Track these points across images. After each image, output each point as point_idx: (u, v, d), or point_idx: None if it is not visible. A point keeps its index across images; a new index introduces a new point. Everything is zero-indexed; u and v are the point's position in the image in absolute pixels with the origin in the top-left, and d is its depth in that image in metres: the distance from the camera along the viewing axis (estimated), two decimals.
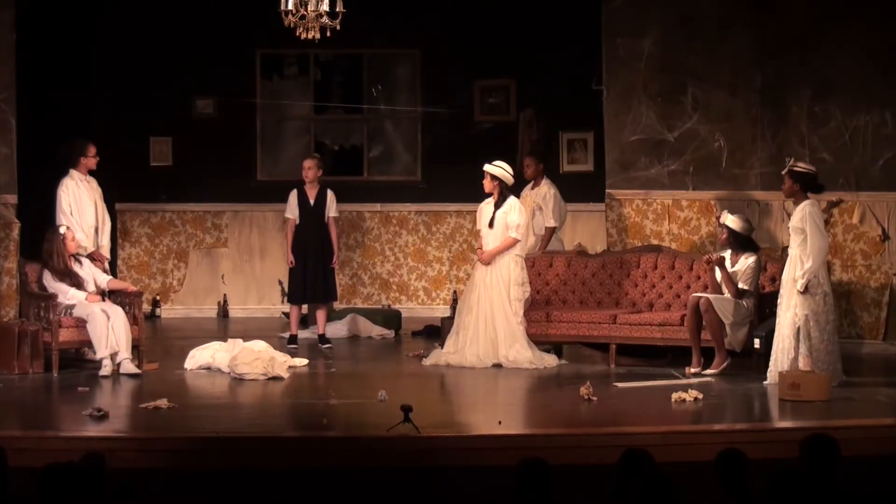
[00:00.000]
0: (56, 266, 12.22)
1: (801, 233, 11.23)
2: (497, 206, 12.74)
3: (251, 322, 15.93)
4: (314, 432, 9.48)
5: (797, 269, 11.20)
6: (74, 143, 12.87)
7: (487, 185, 12.76)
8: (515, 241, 12.68)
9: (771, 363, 11.29)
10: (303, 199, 14.01)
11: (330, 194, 14.06)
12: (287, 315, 14.67)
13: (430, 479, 8.47)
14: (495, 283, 12.61)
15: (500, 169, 12.72)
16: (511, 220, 12.65)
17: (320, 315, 14.01)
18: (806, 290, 11.11)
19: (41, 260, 12.33)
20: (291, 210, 14.03)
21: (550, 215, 13.83)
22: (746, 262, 12.03)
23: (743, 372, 11.76)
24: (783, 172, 11.48)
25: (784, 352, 11.16)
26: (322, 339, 13.91)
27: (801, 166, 11.48)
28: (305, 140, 17.25)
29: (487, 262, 12.66)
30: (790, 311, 11.18)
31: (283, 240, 14.71)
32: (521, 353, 12.41)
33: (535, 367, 12.28)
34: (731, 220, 12.11)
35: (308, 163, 14.12)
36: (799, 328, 11.11)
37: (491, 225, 12.72)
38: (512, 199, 12.80)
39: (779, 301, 11.35)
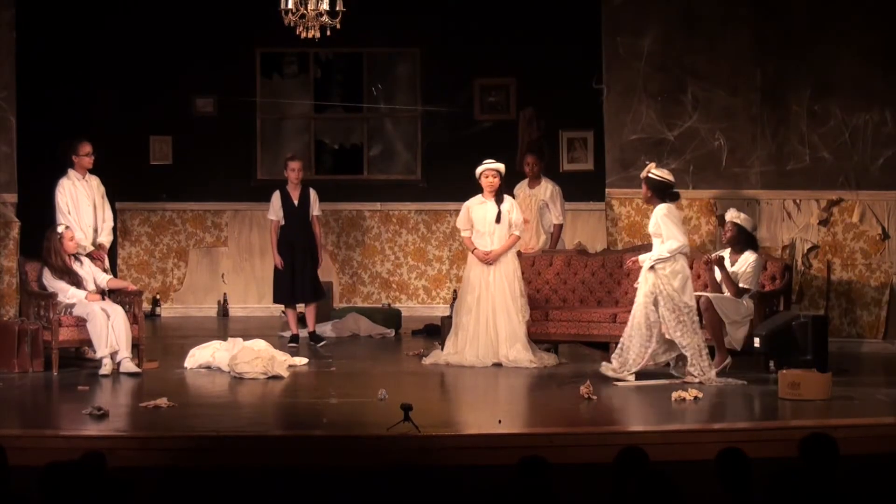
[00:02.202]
0: (55, 264, 12.24)
1: (658, 236, 11.53)
2: (499, 202, 12.74)
3: (251, 321, 15.93)
4: (314, 431, 9.48)
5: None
6: (69, 143, 12.90)
7: (496, 182, 12.73)
8: (518, 239, 12.74)
9: (617, 349, 11.56)
10: (287, 200, 13.99)
11: (313, 193, 14.05)
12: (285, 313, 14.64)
13: (430, 478, 8.46)
14: (499, 282, 12.58)
15: (502, 166, 12.81)
16: (514, 217, 12.69)
17: (310, 314, 14.00)
18: (652, 269, 11.43)
19: (41, 258, 12.35)
20: (275, 212, 13.99)
21: (559, 212, 13.89)
22: (747, 261, 12.04)
23: (743, 371, 11.76)
24: (641, 176, 11.70)
25: (631, 338, 11.44)
26: (313, 336, 13.91)
27: (656, 174, 11.64)
28: (305, 139, 17.26)
29: (493, 263, 12.63)
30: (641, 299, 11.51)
31: None
32: (521, 352, 12.41)
33: (535, 367, 12.28)
34: (742, 218, 12.18)
35: (296, 164, 14.08)
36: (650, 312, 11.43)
37: (498, 220, 12.69)
38: (510, 198, 12.88)
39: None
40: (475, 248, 12.79)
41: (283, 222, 13.96)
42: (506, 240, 12.69)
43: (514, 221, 12.71)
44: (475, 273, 12.73)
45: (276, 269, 13.99)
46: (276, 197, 14.02)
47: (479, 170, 12.85)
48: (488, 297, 12.58)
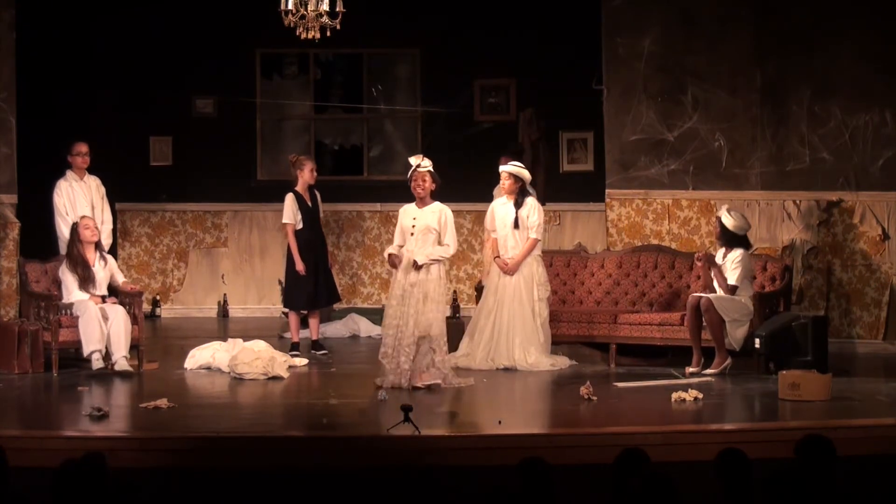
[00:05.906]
0: (72, 252, 12.27)
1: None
2: (518, 205, 12.58)
3: (251, 322, 15.93)
4: (314, 432, 9.48)
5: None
6: (69, 144, 12.96)
7: (511, 186, 12.59)
8: (536, 242, 12.57)
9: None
10: (302, 202, 13.34)
11: (317, 194, 13.54)
12: (287, 315, 14.44)
13: (430, 479, 8.46)
14: (517, 285, 12.44)
15: (519, 168, 12.60)
16: (532, 221, 12.50)
17: (314, 322, 13.50)
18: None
19: (67, 248, 12.38)
20: (293, 215, 13.27)
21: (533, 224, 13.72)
22: (731, 257, 12.02)
23: (743, 372, 11.77)
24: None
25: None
26: (315, 345, 13.40)
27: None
28: (305, 140, 17.25)
29: (514, 273, 12.51)
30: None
31: (284, 240, 14.16)
32: (539, 357, 12.27)
33: (555, 369, 12.22)
34: (725, 217, 12.15)
35: (313, 164, 13.51)
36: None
37: (516, 225, 12.56)
38: (531, 200, 12.63)
39: None
40: (497, 256, 12.55)
41: (299, 226, 13.30)
42: (523, 244, 12.51)
43: (531, 224, 12.49)
44: (496, 276, 12.57)
45: (293, 273, 13.29)
46: (292, 199, 13.29)
47: None
48: (506, 300, 12.45)
